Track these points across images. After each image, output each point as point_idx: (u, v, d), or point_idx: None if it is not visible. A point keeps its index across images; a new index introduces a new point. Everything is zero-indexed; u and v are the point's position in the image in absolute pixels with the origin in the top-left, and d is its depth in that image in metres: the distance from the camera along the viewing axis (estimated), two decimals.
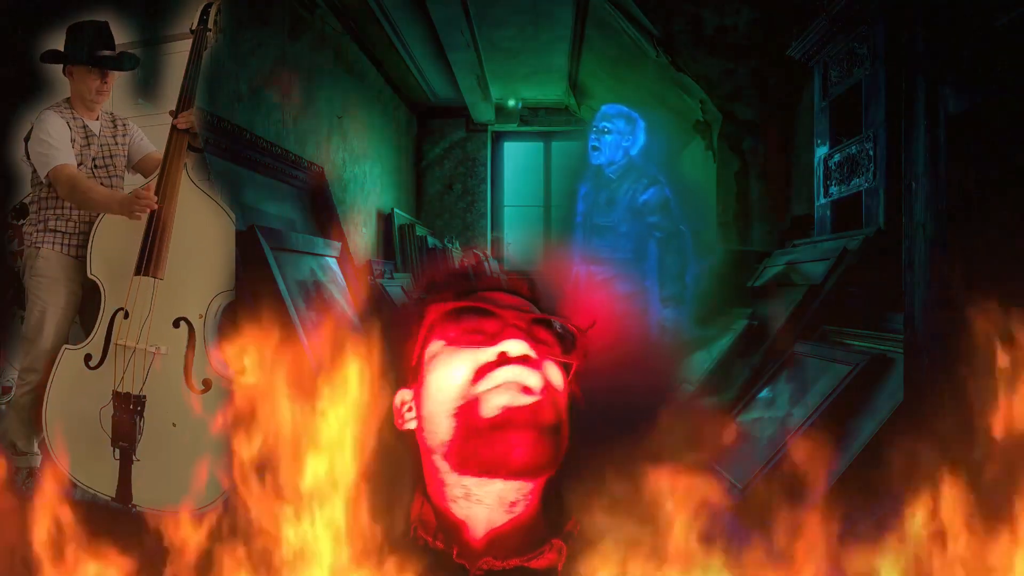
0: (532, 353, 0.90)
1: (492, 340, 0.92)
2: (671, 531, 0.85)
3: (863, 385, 2.20)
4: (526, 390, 0.88)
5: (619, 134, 3.50)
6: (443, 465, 0.91)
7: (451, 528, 0.92)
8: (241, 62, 4.14)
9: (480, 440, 0.87)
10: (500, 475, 0.87)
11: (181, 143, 2.33)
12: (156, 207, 2.25)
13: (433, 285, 1.02)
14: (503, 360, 0.89)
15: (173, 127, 2.35)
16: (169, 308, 2.24)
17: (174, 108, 2.37)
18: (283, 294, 2.98)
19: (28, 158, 2.46)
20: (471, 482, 0.89)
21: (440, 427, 0.90)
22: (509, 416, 0.87)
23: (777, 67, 4.24)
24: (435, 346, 0.95)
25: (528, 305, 0.99)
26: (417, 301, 1.01)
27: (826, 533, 0.87)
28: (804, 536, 0.87)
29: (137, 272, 2.26)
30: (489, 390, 0.89)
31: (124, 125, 2.61)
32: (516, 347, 0.90)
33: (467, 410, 0.88)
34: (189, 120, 2.34)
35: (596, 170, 3.56)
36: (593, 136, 3.49)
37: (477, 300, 0.96)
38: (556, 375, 0.93)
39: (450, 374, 0.91)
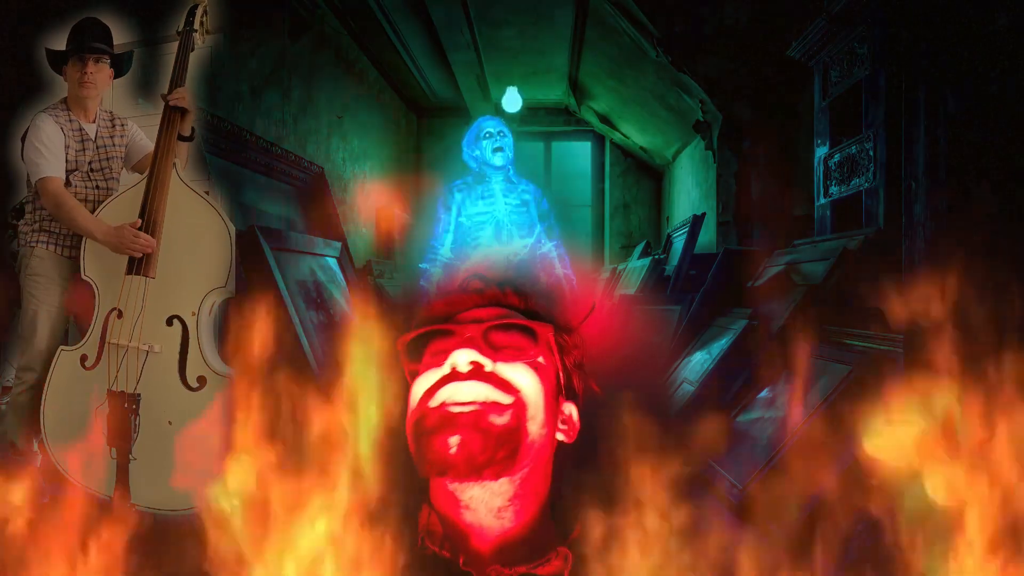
0: (481, 359, 0.93)
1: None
2: (671, 535, 0.85)
3: (863, 385, 2.19)
4: (463, 405, 0.92)
5: (509, 142, 3.60)
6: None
7: (457, 536, 0.94)
8: (241, 62, 4.14)
9: (423, 444, 0.91)
10: (448, 475, 0.90)
11: (173, 121, 2.35)
12: (149, 250, 2.24)
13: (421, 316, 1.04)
14: (452, 375, 0.93)
15: (166, 105, 2.36)
16: (162, 306, 2.24)
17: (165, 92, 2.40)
18: (283, 294, 2.98)
19: (23, 159, 2.45)
20: (454, 487, 0.92)
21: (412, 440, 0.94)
22: (447, 419, 0.90)
23: (777, 67, 4.24)
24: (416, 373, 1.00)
25: (497, 312, 1.01)
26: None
27: (823, 532, 0.87)
28: (802, 535, 0.87)
29: (129, 271, 2.26)
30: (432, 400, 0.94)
31: (123, 125, 2.59)
32: (463, 356, 0.93)
33: (418, 421, 0.93)
34: (181, 96, 2.36)
35: (478, 176, 3.63)
36: (496, 138, 3.57)
37: (434, 324, 1.00)
38: (524, 379, 0.95)
39: (414, 395, 0.97)
